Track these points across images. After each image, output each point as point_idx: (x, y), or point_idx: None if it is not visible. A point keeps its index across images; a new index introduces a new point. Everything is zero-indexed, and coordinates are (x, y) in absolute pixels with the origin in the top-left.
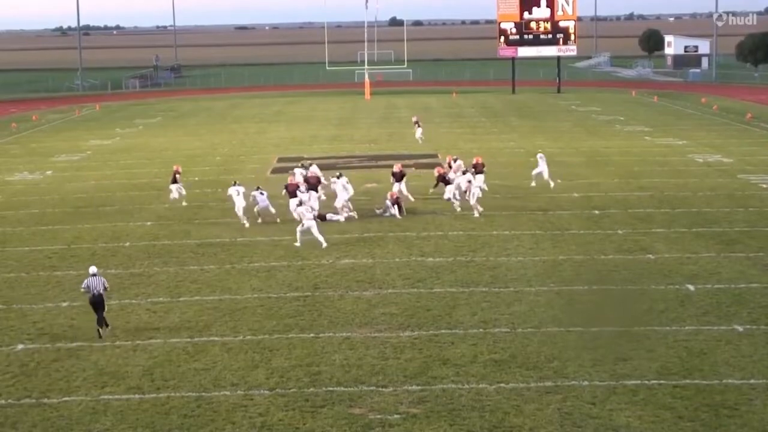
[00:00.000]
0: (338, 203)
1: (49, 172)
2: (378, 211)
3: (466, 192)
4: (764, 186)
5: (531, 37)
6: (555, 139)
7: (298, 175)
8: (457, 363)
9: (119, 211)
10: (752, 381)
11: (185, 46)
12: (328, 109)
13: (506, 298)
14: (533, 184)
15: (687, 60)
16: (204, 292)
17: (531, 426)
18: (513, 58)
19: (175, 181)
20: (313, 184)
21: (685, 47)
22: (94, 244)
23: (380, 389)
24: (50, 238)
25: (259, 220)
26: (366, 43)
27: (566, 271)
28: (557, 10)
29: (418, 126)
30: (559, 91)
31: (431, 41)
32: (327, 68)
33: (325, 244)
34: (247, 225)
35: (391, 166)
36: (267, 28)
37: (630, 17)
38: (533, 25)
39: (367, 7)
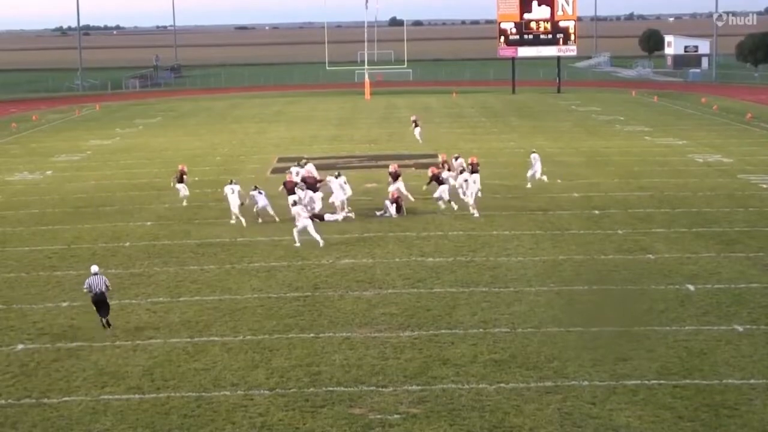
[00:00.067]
0: (335, 202)
1: (49, 172)
2: (378, 214)
3: (460, 189)
4: (764, 186)
5: (531, 37)
6: (555, 139)
7: (294, 174)
8: (457, 363)
9: (119, 211)
10: (752, 381)
11: (185, 46)
12: (328, 109)
13: (506, 298)
14: (528, 185)
15: (687, 60)
16: (204, 292)
17: (531, 426)
18: (513, 58)
19: (181, 181)
20: (311, 184)
21: (685, 47)
22: (94, 244)
23: (380, 389)
24: (50, 238)
25: (260, 220)
26: (366, 43)
27: (566, 271)
28: (557, 10)
29: (417, 125)
30: (559, 91)
31: (431, 41)
32: (327, 68)
33: (322, 243)
34: (244, 223)
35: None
36: (267, 28)
37: (630, 17)
38: (533, 25)
39: (367, 7)
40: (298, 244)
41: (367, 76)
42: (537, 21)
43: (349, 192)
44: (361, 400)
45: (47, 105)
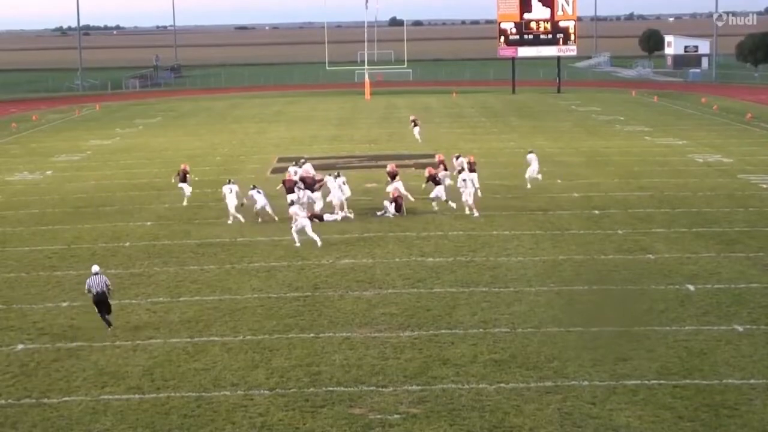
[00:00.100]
0: (333, 201)
1: (49, 172)
2: (378, 214)
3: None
4: (764, 186)
5: (531, 37)
6: (555, 139)
7: (292, 174)
8: (457, 363)
9: (119, 211)
10: (752, 381)
11: (185, 46)
12: (328, 109)
13: (506, 298)
14: (528, 185)
15: (687, 60)
16: (204, 292)
17: (531, 426)
18: (513, 58)
19: (184, 180)
20: (309, 185)
21: (685, 47)
22: (94, 244)
23: (380, 389)
24: (50, 238)
25: (259, 220)
26: (366, 43)
27: (566, 271)
28: (557, 10)
29: (416, 125)
30: (559, 91)
31: (431, 41)
32: (327, 68)
33: (320, 243)
34: (242, 219)
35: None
36: (267, 28)
37: (630, 17)
38: (533, 25)
39: (367, 7)
40: (298, 244)
41: (367, 76)
42: (537, 21)
43: (347, 192)
44: (361, 400)
45: (47, 105)
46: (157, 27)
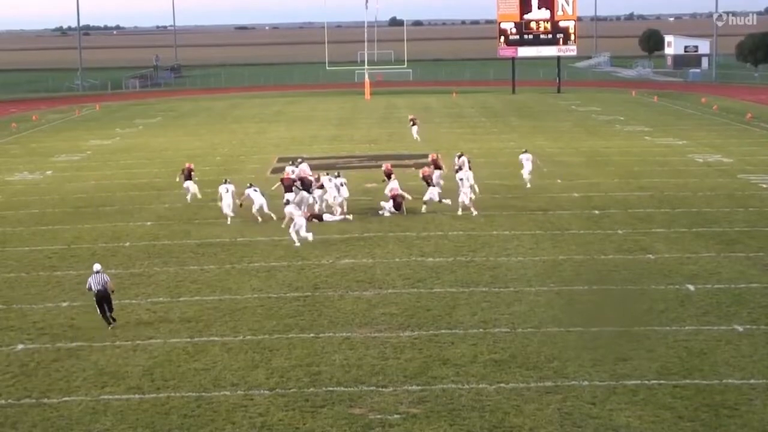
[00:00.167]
0: (328, 200)
1: (49, 172)
2: (380, 213)
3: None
4: (764, 186)
5: (531, 37)
6: (555, 139)
7: (290, 173)
8: (457, 363)
9: (119, 211)
10: (752, 381)
11: (185, 46)
12: (328, 109)
13: (506, 298)
14: (528, 185)
15: (687, 60)
16: (204, 292)
17: (531, 426)
18: (513, 58)
19: (189, 178)
20: (307, 185)
21: (685, 47)
22: (94, 244)
23: (380, 389)
24: (50, 238)
25: (259, 220)
26: (366, 43)
27: (566, 271)
28: (557, 10)
29: (414, 125)
30: (559, 91)
31: (431, 41)
32: (327, 68)
33: (298, 244)
34: (229, 222)
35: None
36: (267, 28)
37: (630, 17)
38: (533, 25)
39: (367, 7)
40: (298, 244)
41: (367, 76)
42: (537, 21)
43: (346, 194)
44: (361, 400)
45: (47, 105)
46: (157, 27)
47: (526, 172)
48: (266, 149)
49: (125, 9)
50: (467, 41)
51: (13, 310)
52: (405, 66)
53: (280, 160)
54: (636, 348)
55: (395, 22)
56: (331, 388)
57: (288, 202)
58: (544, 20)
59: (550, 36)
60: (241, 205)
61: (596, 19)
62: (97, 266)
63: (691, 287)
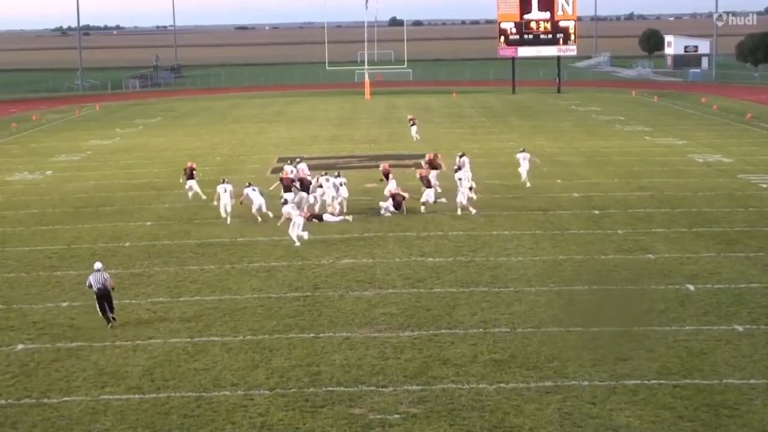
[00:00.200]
0: (326, 200)
1: (49, 172)
2: (381, 212)
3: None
4: (764, 186)
5: (531, 37)
6: (555, 139)
7: (288, 173)
8: (457, 363)
9: (119, 211)
10: (752, 381)
11: (185, 46)
12: (328, 109)
13: (506, 298)
14: (528, 185)
15: (687, 60)
16: (204, 292)
17: (531, 426)
18: (513, 58)
19: (191, 178)
20: (306, 185)
21: (685, 47)
22: (94, 244)
23: (380, 389)
24: (50, 238)
25: (259, 220)
26: (366, 43)
27: (566, 271)
28: (557, 10)
29: (414, 125)
30: (559, 91)
31: (431, 41)
32: (327, 68)
33: (298, 244)
34: (228, 222)
35: (391, 167)
36: (267, 28)
37: (630, 17)
38: (533, 25)
39: (367, 7)
40: (298, 244)
41: (367, 76)
42: (537, 21)
43: (345, 194)
44: (361, 400)
45: (47, 105)
46: (157, 27)
47: (523, 171)
48: (266, 149)
49: (125, 9)
50: (467, 41)
51: (13, 310)
52: (405, 66)
53: (280, 160)
54: (636, 348)
55: (395, 22)
56: (331, 388)
57: (286, 202)
58: (544, 20)
59: (550, 36)
60: (241, 202)
61: (596, 19)
62: (98, 264)
63: (691, 287)
